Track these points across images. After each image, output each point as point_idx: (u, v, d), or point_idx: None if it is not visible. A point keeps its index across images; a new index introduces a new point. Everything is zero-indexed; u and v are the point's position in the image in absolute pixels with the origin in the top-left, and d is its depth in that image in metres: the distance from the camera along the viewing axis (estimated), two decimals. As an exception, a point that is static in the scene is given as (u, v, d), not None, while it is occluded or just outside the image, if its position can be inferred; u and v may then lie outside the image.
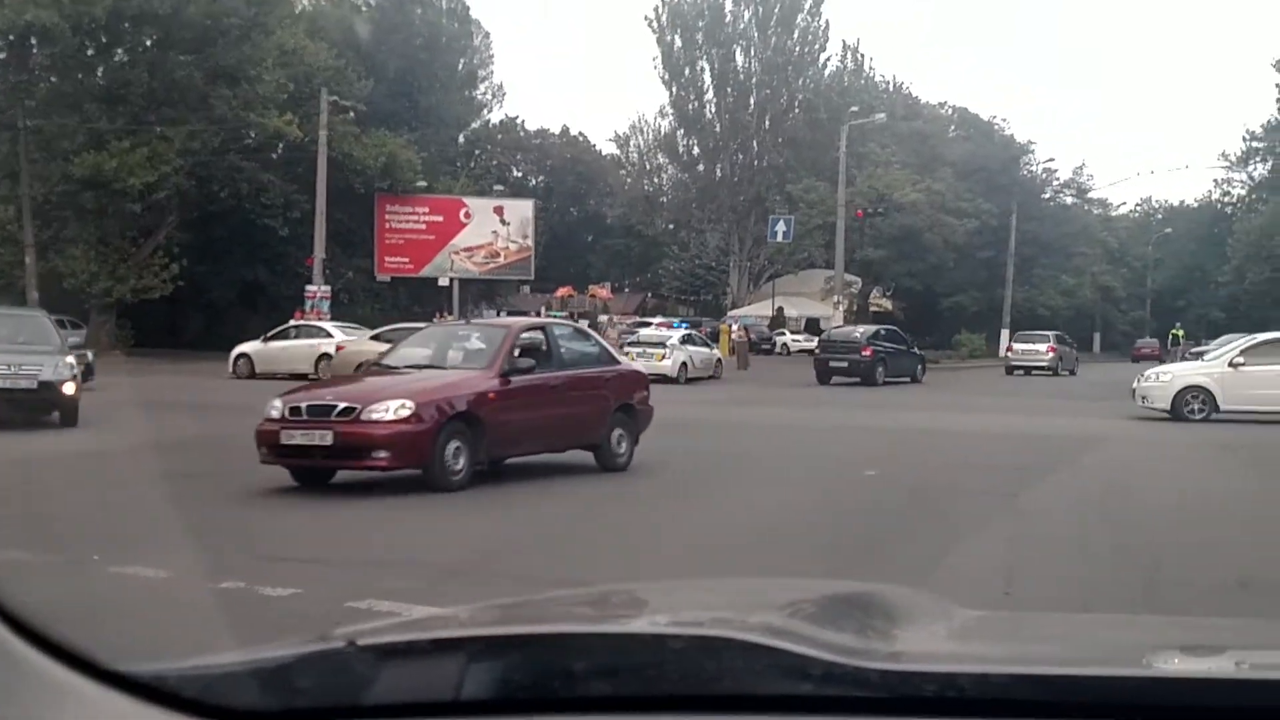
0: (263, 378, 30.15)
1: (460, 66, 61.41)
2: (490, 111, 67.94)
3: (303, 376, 29.84)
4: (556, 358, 12.58)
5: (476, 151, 67.18)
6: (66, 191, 39.80)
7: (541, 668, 1.34)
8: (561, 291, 58.64)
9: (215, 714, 1.23)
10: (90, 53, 41.14)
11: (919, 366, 38.31)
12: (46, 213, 40.82)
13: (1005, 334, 60.32)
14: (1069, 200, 69.05)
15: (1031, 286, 62.19)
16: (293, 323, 34.29)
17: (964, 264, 56.64)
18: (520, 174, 72.83)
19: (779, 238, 53.92)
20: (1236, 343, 24.11)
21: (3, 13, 36.65)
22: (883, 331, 38.11)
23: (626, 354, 34.66)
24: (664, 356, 33.60)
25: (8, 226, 41.50)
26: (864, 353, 35.12)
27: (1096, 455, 16.04)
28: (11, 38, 38.53)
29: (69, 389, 16.13)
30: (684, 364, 33.71)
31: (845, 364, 35.09)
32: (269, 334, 32.35)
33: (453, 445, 10.50)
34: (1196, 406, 21.19)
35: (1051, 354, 44.96)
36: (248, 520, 9.40)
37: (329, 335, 31.57)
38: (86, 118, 39.41)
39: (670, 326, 41.04)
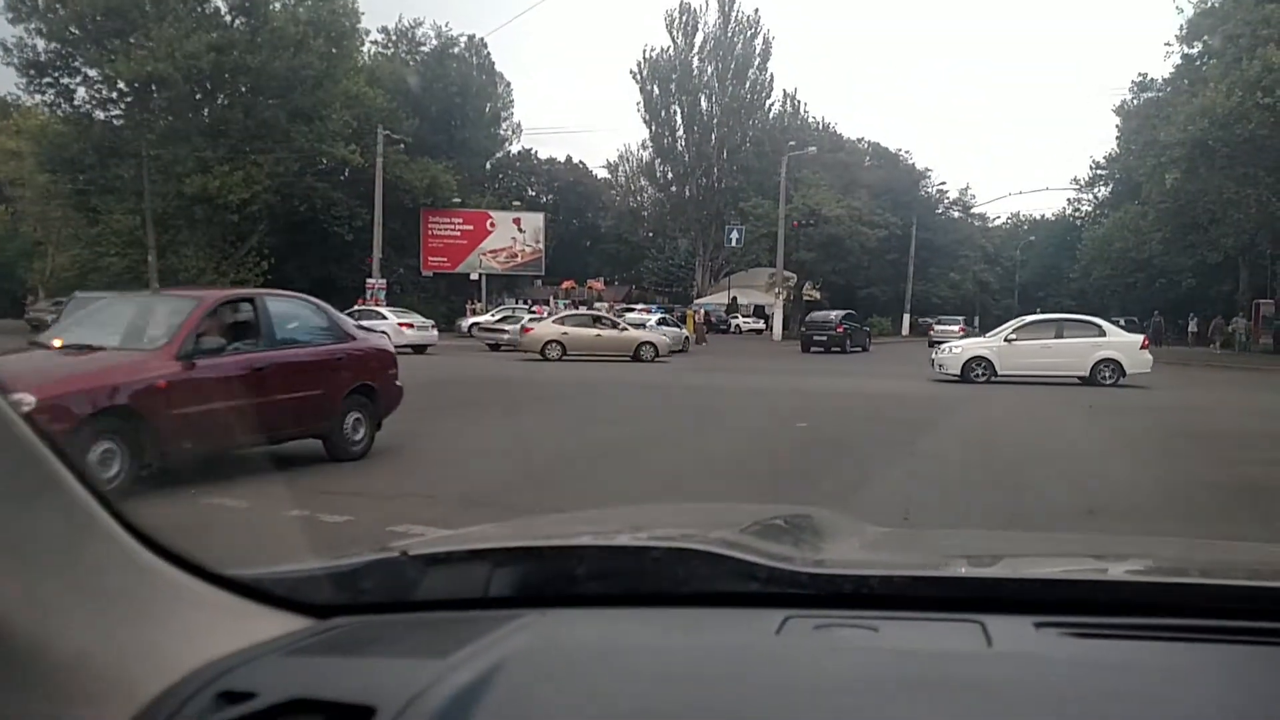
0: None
1: (488, 109, 60.64)
2: (511, 144, 67.16)
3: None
4: (269, 335, 8.68)
5: (500, 175, 66.69)
6: (180, 206, 39.42)
7: (550, 572, 1.37)
8: (566, 284, 58.45)
9: (300, 609, 1.24)
10: (199, 96, 40.61)
11: (868, 339, 39.70)
12: (165, 222, 40.43)
13: (907, 318, 60.44)
14: (956, 214, 69.05)
15: (928, 281, 62.30)
16: (356, 308, 33.93)
17: (876, 264, 56.64)
18: (534, 193, 72.13)
19: (733, 243, 53.87)
20: (1009, 322, 23.84)
21: (128, 65, 36.17)
22: (848, 315, 38.92)
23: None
24: (644, 335, 33.55)
25: (135, 233, 41.08)
26: (838, 329, 36.31)
27: (971, 409, 15.96)
28: (136, 85, 38.02)
29: None
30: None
31: (824, 337, 36.20)
32: (337, 317, 31.97)
33: (101, 448, 6.79)
34: (980, 371, 21.14)
35: (962, 332, 45.76)
36: (309, 461, 9.09)
37: (384, 317, 31.30)
38: (195, 148, 38.92)
39: (649, 311, 40.90)
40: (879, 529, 2.08)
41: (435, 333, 32.05)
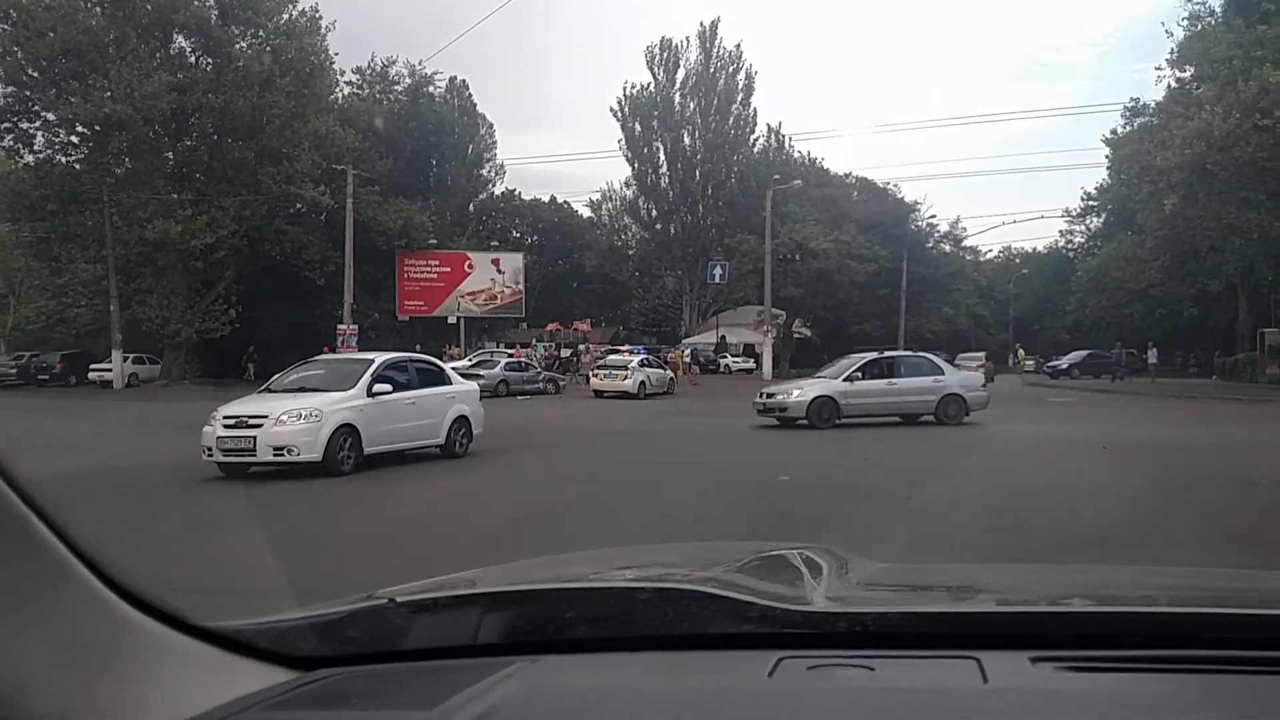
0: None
1: (469, 150, 59.86)
2: (494, 185, 66.22)
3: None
4: None
5: (484, 217, 65.75)
6: (142, 252, 38.01)
7: (539, 617, 1.34)
8: (551, 326, 57.26)
9: (284, 661, 1.22)
10: (165, 138, 39.43)
11: None
12: (129, 270, 39.06)
13: (900, 354, 58.90)
14: (947, 248, 67.84)
15: (920, 316, 60.99)
16: (321, 357, 32.34)
17: (867, 299, 55.47)
18: (518, 234, 71.08)
19: (717, 279, 52.76)
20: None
21: (85, 107, 34.94)
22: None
23: (595, 375, 33.70)
24: (626, 377, 32.36)
25: (102, 282, 39.75)
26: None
27: (977, 455, 14.55)
28: (96, 127, 36.77)
29: None
30: (643, 382, 32.44)
31: None
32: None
33: None
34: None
35: (982, 370, 45.19)
36: (190, 545, 7.52)
37: (350, 364, 29.83)
38: (157, 191, 37.70)
39: (631, 353, 39.56)
40: (878, 564, 2.06)
41: (405, 379, 30.47)
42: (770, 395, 19.84)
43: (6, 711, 0.90)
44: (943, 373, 20.47)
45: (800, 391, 19.63)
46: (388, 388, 12.87)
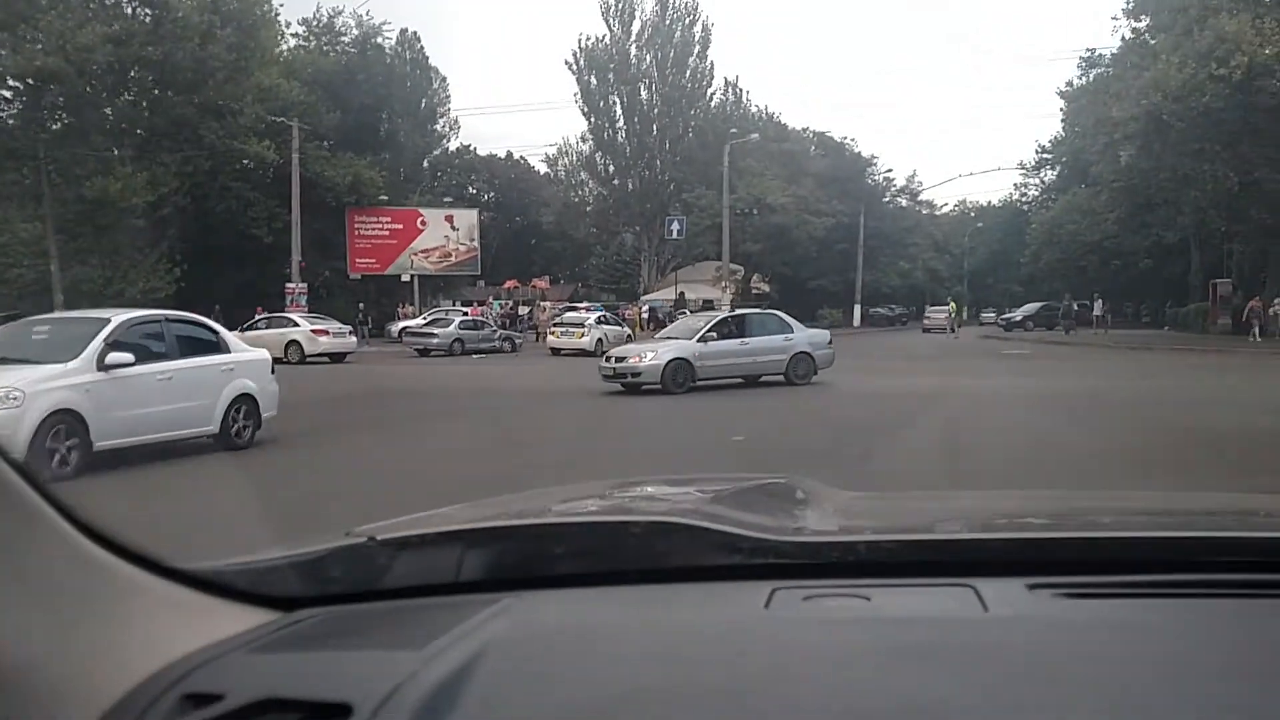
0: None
1: (423, 105, 58.42)
2: (448, 141, 64.84)
3: (277, 360, 27.44)
4: None
5: (439, 173, 64.50)
6: (81, 211, 36.62)
7: (525, 552, 1.32)
8: (509, 284, 56.64)
9: (264, 602, 1.19)
10: (103, 93, 37.90)
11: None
12: (68, 229, 37.59)
13: (858, 309, 59.05)
14: (904, 202, 68.05)
15: (877, 270, 61.17)
16: (261, 315, 31.52)
17: (824, 254, 55.47)
18: (474, 191, 69.96)
19: (674, 234, 52.19)
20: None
21: (15, 59, 33.43)
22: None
23: (552, 333, 33.25)
24: (583, 334, 31.93)
25: (42, 242, 38.32)
26: None
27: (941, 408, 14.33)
28: (30, 81, 35.22)
29: None
30: (600, 339, 31.93)
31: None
32: (244, 325, 29.60)
33: None
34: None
35: (947, 319, 49.70)
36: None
37: (297, 325, 29.04)
38: (95, 148, 36.23)
39: (588, 310, 39.06)
40: (855, 494, 2.04)
41: (354, 339, 29.91)
42: (620, 359, 18.44)
43: None
44: (791, 330, 19.62)
45: (654, 354, 18.19)
46: (128, 358, 9.60)
